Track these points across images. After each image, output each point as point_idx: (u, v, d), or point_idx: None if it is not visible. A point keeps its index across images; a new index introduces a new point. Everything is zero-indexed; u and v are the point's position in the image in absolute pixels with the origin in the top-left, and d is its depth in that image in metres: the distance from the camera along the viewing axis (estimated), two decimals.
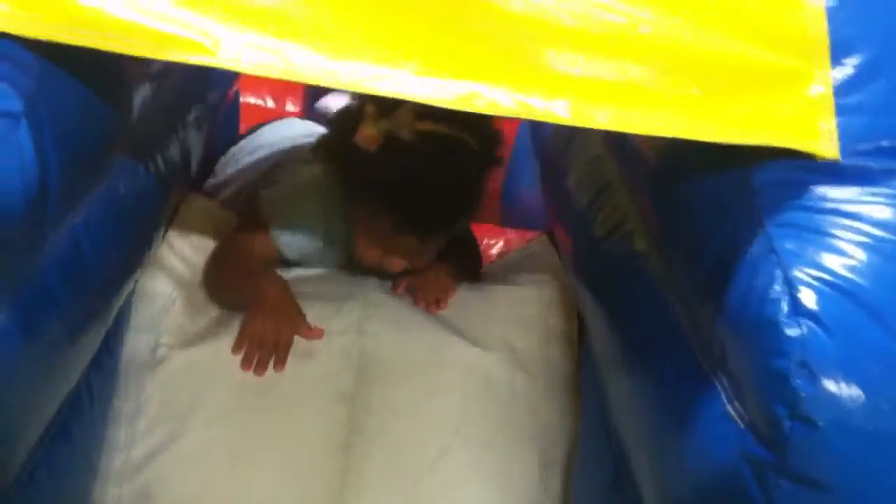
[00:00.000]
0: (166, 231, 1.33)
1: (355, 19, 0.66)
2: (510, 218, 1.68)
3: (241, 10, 0.65)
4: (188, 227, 1.41)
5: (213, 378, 1.24)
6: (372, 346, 1.25)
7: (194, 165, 1.33)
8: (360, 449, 1.18)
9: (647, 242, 0.98)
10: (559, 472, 1.25)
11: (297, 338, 1.24)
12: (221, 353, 1.25)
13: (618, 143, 1.09)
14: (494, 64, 0.67)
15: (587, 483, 1.16)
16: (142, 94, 0.88)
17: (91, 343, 0.95)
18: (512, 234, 1.74)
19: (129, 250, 1.01)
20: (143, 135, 0.94)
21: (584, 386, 1.25)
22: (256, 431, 1.20)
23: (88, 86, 0.73)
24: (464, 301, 1.34)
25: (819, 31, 0.68)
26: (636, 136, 0.71)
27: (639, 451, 0.93)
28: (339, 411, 1.20)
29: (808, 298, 0.66)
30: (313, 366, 1.24)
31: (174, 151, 1.11)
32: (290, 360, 1.23)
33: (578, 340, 1.33)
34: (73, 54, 0.67)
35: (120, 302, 1.04)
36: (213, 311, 1.33)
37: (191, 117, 1.19)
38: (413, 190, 1.18)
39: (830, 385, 0.64)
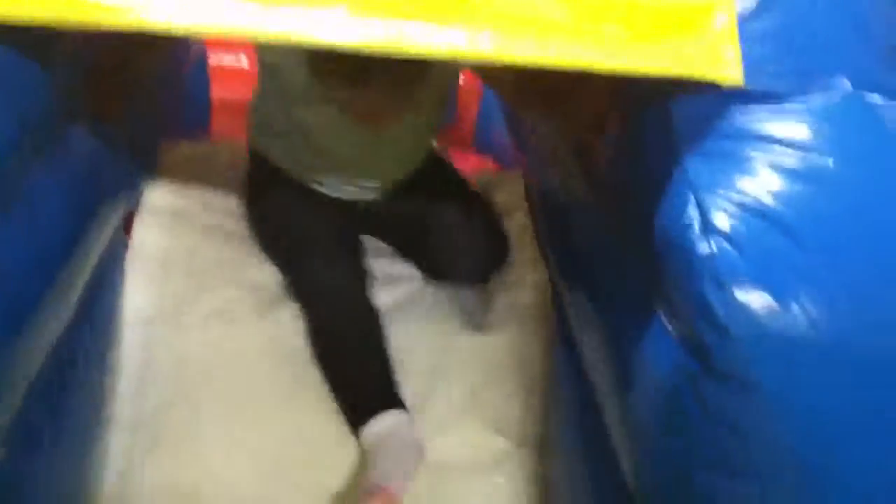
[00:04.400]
0: (146, 185, 1.38)
1: None
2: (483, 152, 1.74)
3: None
4: (174, 177, 1.47)
5: (227, 347, 1.33)
6: None
7: (163, 124, 1.36)
8: None
9: (599, 181, 1.02)
10: (538, 400, 1.34)
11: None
12: (234, 324, 1.36)
13: None
14: (420, 4, 0.69)
15: (563, 409, 1.22)
16: (93, 58, 0.91)
17: (63, 296, 0.98)
18: (486, 162, 1.77)
19: (88, 211, 1.04)
20: (99, 97, 0.97)
21: (557, 322, 1.31)
22: (266, 389, 1.30)
23: (33, 52, 0.75)
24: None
25: None
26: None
27: (599, 375, 0.99)
28: None
29: (718, 218, 0.71)
30: None
31: (136, 111, 1.14)
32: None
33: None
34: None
35: (93, 257, 1.08)
36: (213, 265, 1.40)
37: (150, 78, 1.22)
38: None
39: (742, 296, 0.70)
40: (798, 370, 0.70)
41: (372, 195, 1.47)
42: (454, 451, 1.29)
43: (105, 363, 1.23)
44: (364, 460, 1.25)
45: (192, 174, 1.51)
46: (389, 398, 1.29)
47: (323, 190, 1.44)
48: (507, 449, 1.30)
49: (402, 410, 1.28)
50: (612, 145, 0.94)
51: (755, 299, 0.69)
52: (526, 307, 1.42)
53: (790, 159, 0.71)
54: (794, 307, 0.69)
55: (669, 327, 0.80)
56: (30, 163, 0.80)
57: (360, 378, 1.32)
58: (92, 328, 1.16)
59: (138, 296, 1.34)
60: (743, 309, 0.69)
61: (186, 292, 1.37)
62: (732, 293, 0.69)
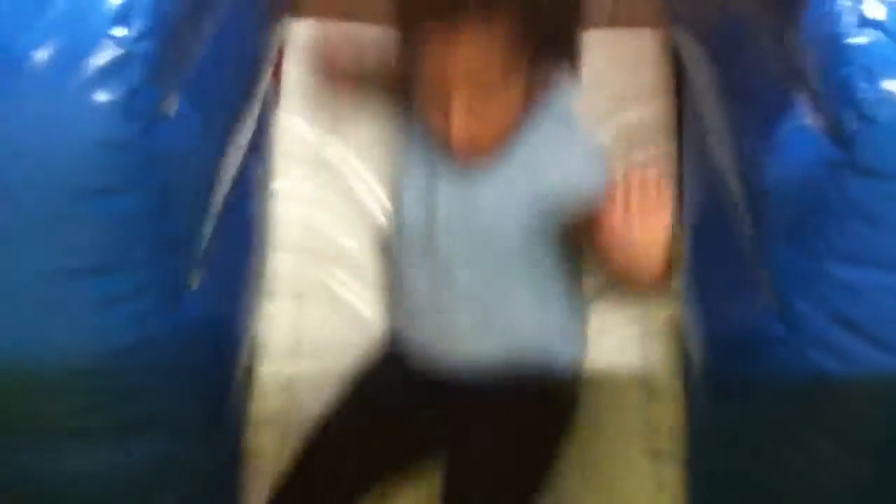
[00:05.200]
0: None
1: None
2: None
3: None
4: (318, 15, 1.54)
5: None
6: None
7: None
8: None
9: None
10: None
11: None
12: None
13: None
14: None
15: (688, 198, 1.26)
16: None
17: (248, 113, 1.09)
18: None
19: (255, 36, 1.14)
20: None
21: (685, 115, 1.34)
22: None
23: None
24: None
25: None
26: None
27: (733, 175, 1.02)
28: None
29: (873, 9, 0.73)
30: None
31: None
32: None
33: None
34: None
35: (262, 81, 1.18)
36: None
37: None
38: None
39: (890, 86, 0.72)
40: None
41: (455, 362, 1.05)
42: None
43: (267, 192, 1.35)
44: None
45: (338, 11, 1.57)
46: None
47: (411, 359, 1.09)
48: None
49: None
50: None
51: None
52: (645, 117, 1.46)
53: None
54: None
55: (812, 118, 0.81)
56: None
57: None
58: (258, 158, 1.27)
59: (288, 134, 1.45)
60: (891, 98, 0.72)
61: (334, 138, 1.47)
62: (881, 82, 0.72)
